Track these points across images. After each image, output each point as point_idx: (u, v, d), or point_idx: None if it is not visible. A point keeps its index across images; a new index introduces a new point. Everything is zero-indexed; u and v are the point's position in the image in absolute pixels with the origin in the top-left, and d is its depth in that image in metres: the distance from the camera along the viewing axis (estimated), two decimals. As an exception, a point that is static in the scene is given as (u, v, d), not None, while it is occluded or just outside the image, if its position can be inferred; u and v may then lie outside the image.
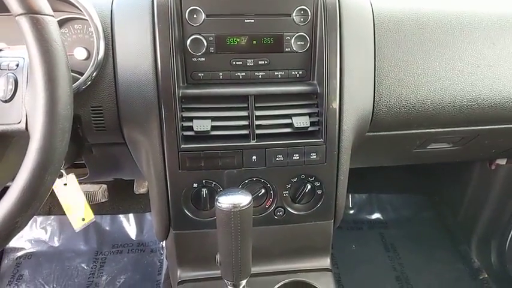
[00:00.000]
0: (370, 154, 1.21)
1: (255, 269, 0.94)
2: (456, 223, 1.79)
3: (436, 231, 1.82)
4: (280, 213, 0.94)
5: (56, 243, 1.74)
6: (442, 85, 0.96)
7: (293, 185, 0.93)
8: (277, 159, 0.88)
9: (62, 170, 0.86)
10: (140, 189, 1.71)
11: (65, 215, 1.81)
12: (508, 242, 1.55)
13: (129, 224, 1.80)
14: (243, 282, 0.79)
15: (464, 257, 1.69)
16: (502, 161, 1.50)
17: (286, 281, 0.94)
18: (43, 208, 1.82)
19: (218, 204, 0.73)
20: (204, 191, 0.89)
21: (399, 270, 1.65)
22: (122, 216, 1.81)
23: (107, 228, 1.79)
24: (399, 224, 1.86)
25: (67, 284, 1.59)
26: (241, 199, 0.73)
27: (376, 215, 1.90)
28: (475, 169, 1.62)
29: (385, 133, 1.03)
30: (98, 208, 1.81)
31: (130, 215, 1.80)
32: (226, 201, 0.73)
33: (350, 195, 1.92)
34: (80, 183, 1.58)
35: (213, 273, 0.95)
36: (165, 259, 1.63)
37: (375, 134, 1.02)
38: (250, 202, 0.73)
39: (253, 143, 0.87)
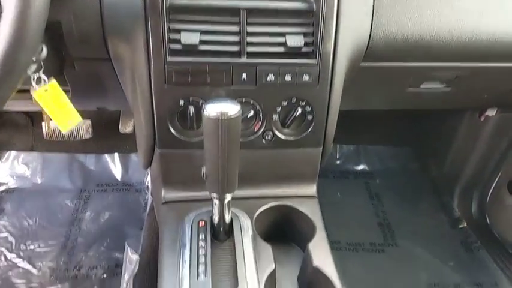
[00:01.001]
0: (362, 93, 1.19)
1: (239, 193, 0.93)
2: (441, 175, 1.81)
3: (421, 182, 1.84)
4: (269, 137, 0.92)
5: (39, 180, 1.72)
6: (441, 13, 0.93)
7: (283, 109, 0.91)
8: (268, 79, 0.85)
9: (41, 76, 0.82)
10: (126, 127, 1.67)
11: (48, 152, 1.78)
12: (489, 194, 1.58)
13: (114, 164, 1.78)
14: (229, 196, 0.78)
15: (446, 208, 1.73)
16: (492, 112, 1.50)
17: (271, 204, 0.94)
18: (26, 144, 1.78)
19: (205, 112, 0.70)
20: (191, 109, 0.87)
21: (382, 217, 1.67)
22: (107, 156, 1.78)
23: (92, 167, 1.77)
24: (385, 174, 1.88)
25: (50, 218, 1.58)
26: (229, 108, 0.70)
27: (362, 166, 1.91)
28: (463, 120, 1.62)
29: (380, 64, 1.00)
30: (82, 146, 1.78)
31: (116, 155, 1.78)
32: (214, 109, 0.70)
33: (337, 146, 1.93)
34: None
35: (198, 195, 0.94)
36: (149, 198, 1.62)
37: (369, 64, 0.99)
38: (239, 112, 0.71)
39: (243, 60, 0.84)
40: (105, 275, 1.38)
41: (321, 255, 0.82)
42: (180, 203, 0.94)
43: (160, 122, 0.88)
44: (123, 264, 1.33)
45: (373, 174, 1.88)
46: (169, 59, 0.82)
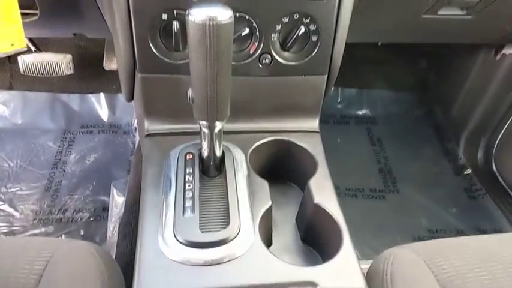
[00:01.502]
0: (373, 18, 1.05)
1: (233, 126, 0.83)
2: (447, 120, 1.72)
3: (425, 128, 1.75)
4: (267, 60, 0.80)
5: (19, 121, 1.60)
6: None
7: (284, 27, 0.78)
8: (266, -16, 0.72)
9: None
10: (111, 64, 1.53)
11: (29, 91, 1.66)
12: (498, 140, 1.49)
13: (99, 105, 1.66)
14: (219, 124, 0.68)
15: (450, 154, 1.65)
16: (509, 50, 1.38)
17: (268, 139, 0.83)
18: (3, 82, 1.65)
19: (190, 17, 0.58)
20: (176, 24, 0.74)
21: (383, 163, 1.60)
22: (91, 96, 1.66)
23: (76, 108, 1.65)
24: (387, 120, 1.78)
25: (32, 160, 1.48)
26: (219, 12, 0.58)
27: (364, 111, 1.81)
28: (476, 60, 1.50)
29: None
30: (65, 85, 1.65)
31: (101, 95, 1.65)
32: (200, 13, 0.57)
33: (339, 89, 1.81)
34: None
35: (185, 127, 0.83)
36: (138, 139, 1.52)
37: None
38: (231, 17, 0.58)
39: None
40: (91, 219, 1.31)
41: (323, 192, 0.73)
42: (165, 136, 0.83)
43: (140, 40, 0.76)
44: (109, 207, 1.25)
45: (376, 119, 1.78)
46: (149, -41, 0.68)
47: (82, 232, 1.28)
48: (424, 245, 0.77)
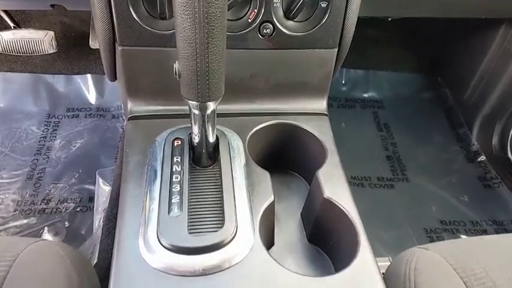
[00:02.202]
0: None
1: (228, 107, 0.72)
2: (459, 104, 1.61)
3: (435, 112, 1.64)
4: (268, 30, 0.69)
5: (0, 103, 1.48)
6: None
7: (288, -8, 0.66)
8: None
9: None
10: (97, 43, 1.41)
11: (10, 71, 1.54)
12: (515, 123, 1.38)
13: (86, 87, 1.54)
14: (212, 105, 0.57)
15: (462, 140, 1.54)
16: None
17: (270, 122, 0.73)
18: (-18, 62, 1.52)
19: None
20: (162, -15, 0.62)
21: (391, 150, 1.49)
22: (78, 77, 1.54)
23: (61, 89, 1.53)
24: (395, 103, 1.67)
25: (14, 146, 1.37)
26: None
27: (371, 93, 1.69)
28: (495, 37, 1.38)
29: None
30: (49, 65, 1.53)
31: (88, 76, 1.53)
32: None
33: (344, 70, 1.69)
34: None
35: (174, 109, 0.72)
36: (128, 124, 1.41)
37: None
38: None
39: None
40: (77, 209, 1.21)
41: (334, 184, 0.62)
42: (151, 118, 0.73)
43: (118, 5, 0.64)
44: (95, 198, 1.15)
45: (383, 103, 1.67)
46: None
47: (67, 224, 1.18)
48: (448, 245, 0.67)
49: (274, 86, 0.75)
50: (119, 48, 0.69)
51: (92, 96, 1.54)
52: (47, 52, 1.36)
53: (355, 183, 1.35)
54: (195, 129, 0.60)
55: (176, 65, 0.56)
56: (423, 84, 1.73)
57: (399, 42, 1.75)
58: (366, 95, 1.69)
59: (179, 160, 0.61)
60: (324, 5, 0.68)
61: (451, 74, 1.69)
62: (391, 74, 1.71)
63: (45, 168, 1.32)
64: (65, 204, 1.22)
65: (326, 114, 0.77)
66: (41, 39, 1.34)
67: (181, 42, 0.52)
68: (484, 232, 1.23)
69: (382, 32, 1.71)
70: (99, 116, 1.49)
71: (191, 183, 0.60)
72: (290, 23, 0.69)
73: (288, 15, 0.68)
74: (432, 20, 1.44)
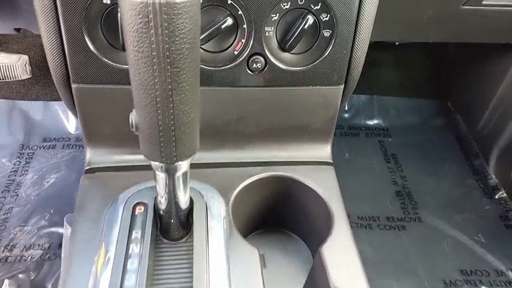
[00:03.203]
0: (401, 9, 0.81)
1: (213, 157, 0.59)
2: (473, 132, 1.47)
3: (447, 141, 1.51)
4: (259, 65, 0.56)
5: (-31, 133, 1.35)
6: None
7: (283, 17, 0.54)
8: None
9: None
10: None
11: (-19, 97, 1.40)
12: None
13: (65, 114, 1.41)
14: (183, 165, 0.43)
15: (479, 173, 1.40)
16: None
17: (261, 176, 0.59)
18: (-49, 88, 1.40)
19: None
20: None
21: (400, 184, 1.35)
22: (56, 104, 1.41)
23: (37, 117, 1.41)
24: (403, 132, 1.54)
25: (-20, 182, 1.23)
26: None
27: (376, 121, 1.57)
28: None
29: None
30: (24, 90, 1.40)
31: (68, 103, 1.40)
32: None
33: (347, 95, 1.56)
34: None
35: (139, 160, 0.58)
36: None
37: None
38: None
39: None
40: (45, 257, 1.06)
41: (344, 268, 0.48)
42: (113, 171, 0.59)
43: (70, 31, 0.51)
44: (63, 247, 1.00)
45: (389, 130, 1.54)
46: None
47: (32, 275, 1.03)
48: None
49: (267, 131, 0.61)
50: (73, 86, 0.56)
51: (71, 125, 1.41)
52: (20, 78, 1.23)
53: (362, 224, 1.21)
54: (161, 193, 0.47)
55: (133, 115, 0.43)
56: (432, 110, 1.61)
57: (405, 64, 1.63)
58: (370, 122, 1.56)
59: (138, 236, 0.47)
60: (327, 33, 0.55)
61: (462, 98, 1.56)
62: (398, 100, 1.59)
63: (12, 208, 1.17)
64: (31, 251, 1.08)
65: (331, 164, 0.63)
66: (13, 64, 1.21)
67: (136, 87, 0.39)
68: (510, 285, 1.08)
69: (387, 54, 1.60)
70: (78, 147, 1.35)
71: (155, 265, 0.45)
72: (286, 55, 0.56)
73: (283, 46, 0.55)
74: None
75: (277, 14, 0.53)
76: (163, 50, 0.34)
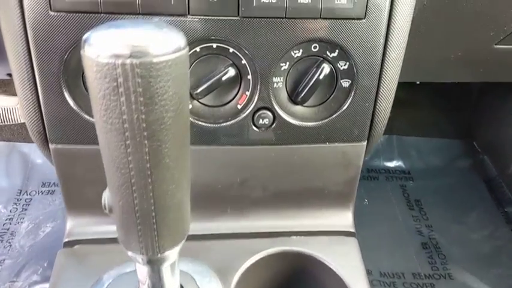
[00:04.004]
0: (428, 49, 0.73)
1: (212, 227, 0.50)
2: (503, 174, 1.36)
3: (475, 185, 1.40)
4: (266, 120, 0.48)
5: (-34, 177, 1.30)
6: None
7: (295, 65, 0.46)
8: (263, 0, 0.41)
9: None
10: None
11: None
12: None
13: (67, 157, 1.34)
14: (170, 254, 0.35)
15: (512, 221, 1.27)
16: None
17: (271, 251, 0.49)
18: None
19: (87, 48, 0.26)
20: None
21: (426, 235, 1.23)
22: (58, 146, 1.35)
23: (37, 160, 1.35)
24: (426, 175, 1.43)
25: (-27, 230, 1.16)
26: (151, 38, 0.27)
27: (396, 163, 1.47)
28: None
29: None
30: (25, 131, 1.35)
31: (70, 145, 1.34)
32: (107, 42, 0.26)
33: (364, 135, 1.47)
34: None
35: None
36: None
37: None
38: (181, 49, 0.27)
39: None
40: (35, 317, 0.97)
41: None
42: (95, 244, 0.50)
43: (47, 85, 0.45)
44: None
45: (411, 173, 1.44)
46: None
47: None
48: None
49: (275, 195, 0.52)
50: (51, 147, 0.48)
51: (73, 168, 1.34)
52: (19, 121, 1.18)
53: (385, 282, 1.08)
54: (143, 284, 0.38)
55: (106, 194, 0.35)
56: (457, 151, 1.50)
57: (427, 102, 1.53)
58: (390, 165, 1.46)
59: None
60: (345, 83, 0.47)
61: (490, 138, 1.45)
62: (419, 140, 1.49)
63: (4, 260, 1.09)
64: (20, 311, 0.98)
65: (353, 234, 0.53)
66: (12, 108, 1.17)
67: (107, 164, 0.30)
68: None
69: (407, 91, 1.51)
70: (78, 192, 1.28)
71: None
72: (297, 109, 0.48)
73: (294, 98, 0.47)
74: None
75: (287, 63, 0.46)
76: (138, 121, 0.26)
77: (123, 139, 0.28)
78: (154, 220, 0.31)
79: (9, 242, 1.14)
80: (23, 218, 1.20)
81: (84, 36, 0.26)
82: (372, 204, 1.31)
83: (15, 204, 1.24)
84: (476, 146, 1.49)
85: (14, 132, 1.36)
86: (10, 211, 1.22)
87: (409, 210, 1.30)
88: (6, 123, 1.20)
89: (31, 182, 1.30)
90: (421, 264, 1.14)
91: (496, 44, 0.74)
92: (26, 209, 1.23)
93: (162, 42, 0.26)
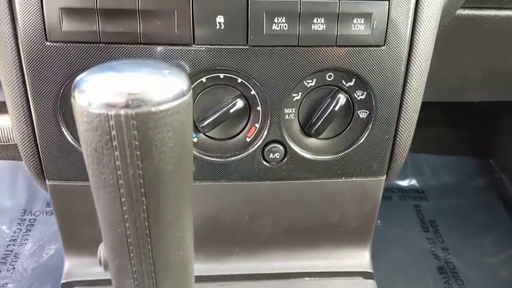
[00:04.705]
0: (449, 71, 0.70)
1: (222, 267, 0.46)
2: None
3: (492, 205, 1.36)
4: (277, 154, 0.45)
5: (-29, 196, 1.28)
6: None
7: (308, 96, 0.43)
8: (275, 27, 0.38)
9: None
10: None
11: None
12: None
13: (73, 175, 1.32)
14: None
15: (533, 243, 1.21)
16: None
17: (282, 295, 0.45)
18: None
19: (77, 96, 0.23)
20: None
21: (442, 258, 1.18)
22: (64, 164, 1.33)
23: (43, 179, 1.32)
24: (440, 194, 1.39)
25: (-25, 252, 1.14)
26: (149, 81, 0.23)
27: (410, 181, 1.43)
28: None
29: (486, 13, 0.53)
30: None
31: (75, 163, 1.32)
32: (98, 84, 0.22)
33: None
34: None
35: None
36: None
37: (470, 12, 0.52)
38: (182, 94, 0.24)
39: None
40: None
41: None
42: (94, 285, 0.47)
43: (43, 120, 0.42)
44: None
45: (425, 193, 1.39)
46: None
47: None
48: None
49: (287, 233, 0.48)
50: (48, 183, 0.45)
51: (78, 187, 1.32)
52: (23, 141, 1.17)
53: (401, 310, 1.03)
54: None
55: (102, 247, 0.32)
56: (472, 169, 1.45)
57: (441, 118, 1.49)
58: (403, 183, 1.41)
59: None
60: (363, 114, 0.44)
61: (507, 156, 1.40)
62: (433, 158, 1.45)
63: (7, 283, 1.06)
64: None
65: (371, 275, 0.49)
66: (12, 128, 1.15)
67: (102, 221, 0.27)
68: None
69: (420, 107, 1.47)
70: (82, 212, 1.25)
71: None
72: (311, 141, 0.45)
73: (307, 131, 0.44)
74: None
75: (300, 93, 0.43)
76: (134, 177, 0.23)
77: (117, 196, 0.24)
78: (154, 281, 0.28)
79: (13, 265, 1.11)
80: (27, 239, 1.18)
81: (75, 81, 0.24)
82: (385, 226, 1.26)
83: (19, 224, 1.22)
84: (493, 164, 1.44)
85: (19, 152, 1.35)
86: (14, 232, 1.20)
87: (424, 232, 1.26)
88: (10, 142, 1.19)
89: (35, 202, 1.28)
90: (438, 290, 1.09)
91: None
92: (29, 230, 1.21)
93: (161, 87, 0.23)
